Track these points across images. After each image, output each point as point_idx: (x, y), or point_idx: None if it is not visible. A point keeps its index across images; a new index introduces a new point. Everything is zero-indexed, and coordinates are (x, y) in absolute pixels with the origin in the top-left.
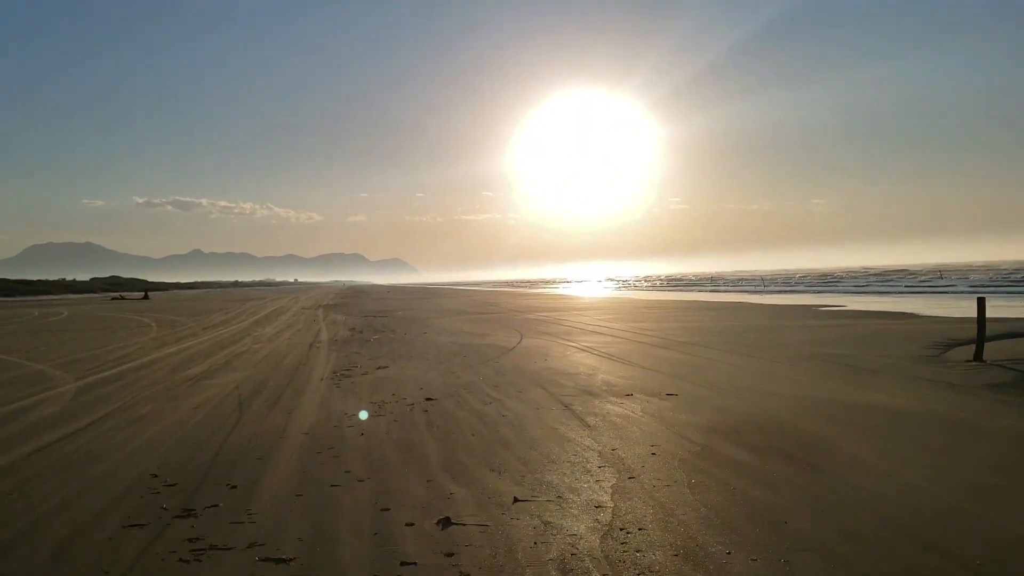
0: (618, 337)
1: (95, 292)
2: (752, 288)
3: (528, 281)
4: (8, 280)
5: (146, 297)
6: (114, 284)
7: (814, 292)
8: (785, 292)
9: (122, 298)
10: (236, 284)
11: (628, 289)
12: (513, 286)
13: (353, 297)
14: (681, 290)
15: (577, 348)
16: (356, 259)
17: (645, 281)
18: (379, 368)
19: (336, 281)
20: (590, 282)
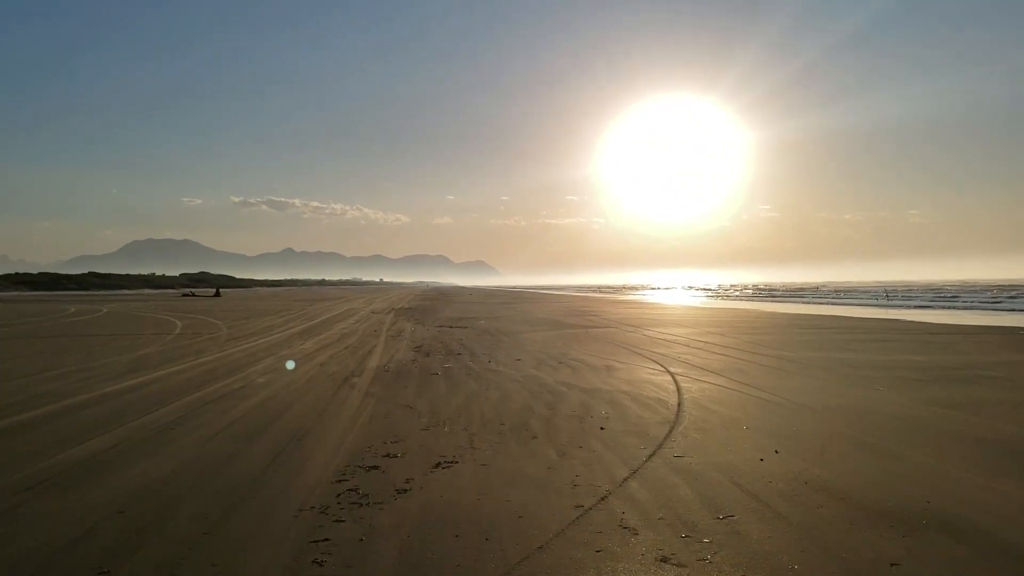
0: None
1: (173, 288)
2: (873, 300)
3: (614, 287)
4: (94, 273)
5: (217, 294)
6: (197, 280)
7: (941, 307)
8: (917, 307)
9: (192, 295)
10: (322, 283)
11: (726, 298)
12: (600, 291)
13: (433, 300)
14: (788, 301)
15: (794, 404)
16: (440, 260)
17: (739, 289)
18: (435, 469)
19: (420, 282)
20: (680, 289)
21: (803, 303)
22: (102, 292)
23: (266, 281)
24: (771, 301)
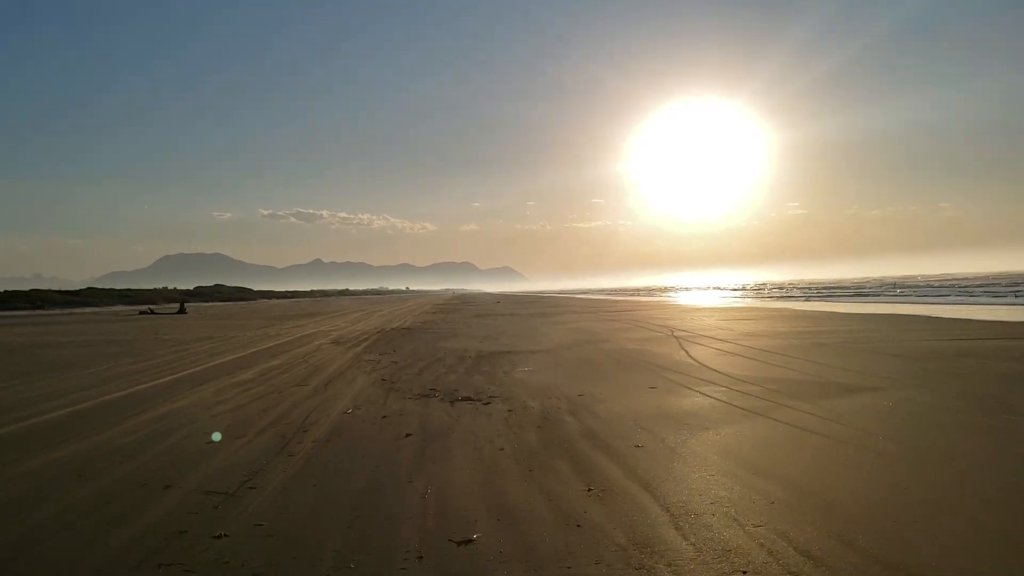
0: None
1: (153, 304)
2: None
3: (647, 289)
4: (65, 291)
5: (181, 311)
6: (210, 292)
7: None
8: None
9: (151, 312)
10: (345, 292)
11: (769, 298)
12: (638, 294)
13: (453, 310)
14: (836, 300)
15: None
16: (467, 268)
17: (782, 288)
18: None
19: (447, 289)
20: (717, 289)
21: (882, 302)
22: (56, 312)
23: (286, 292)
24: (848, 301)
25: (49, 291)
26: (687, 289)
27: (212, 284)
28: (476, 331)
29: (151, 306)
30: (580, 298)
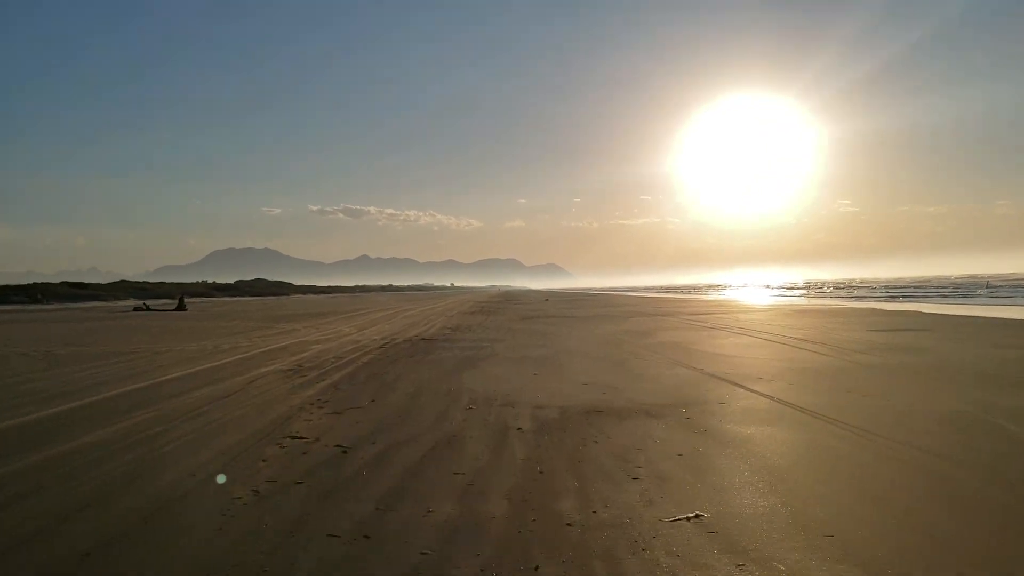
0: None
1: (170, 298)
2: None
3: (702, 287)
4: (67, 283)
5: (180, 307)
6: (246, 287)
7: None
8: None
9: (146, 308)
10: (388, 287)
11: (842, 297)
12: (696, 292)
13: (495, 310)
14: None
15: None
16: (512, 264)
17: (846, 287)
18: None
19: (492, 286)
20: (784, 288)
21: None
22: (52, 307)
23: (327, 287)
24: (951, 301)
25: (51, 284)
26: (746, 287)
27: (253, 279)
28: (526, 347)
29: (147, 302)
30: (635, 296)
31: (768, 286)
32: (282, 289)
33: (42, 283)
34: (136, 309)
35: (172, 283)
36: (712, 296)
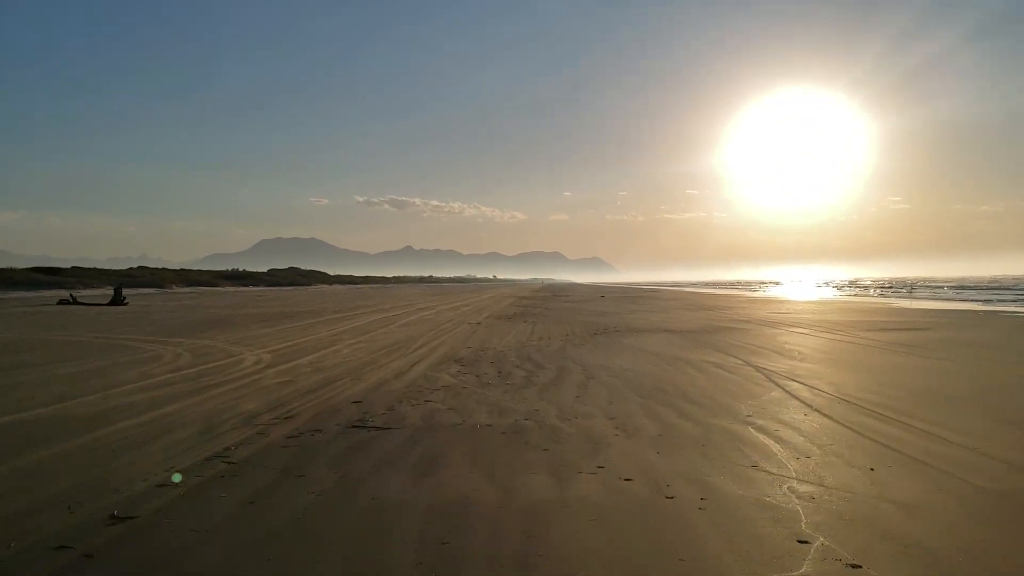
0: None
1: (253, 284)
2: None
3: (746, 283)
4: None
5: (116, 300)
6: (276, 277)
7: None
8: None
9: (73, 301)
10: (429, 279)
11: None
12: (748, 288)
13: (541, 313)
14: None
15: None
16: (555, 257)
17: (891, 286)
18: None
19: (535, 279)
20: (827, 285)
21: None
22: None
23: (364, 277)
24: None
25: (16, 269)
26: (819, 284)
27: (286, 267)
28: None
29: (73, 294)
30: (693, 292)
31: (852, 283)
32: (307, 279)
33: (8, 268)
34: (61, 302)
35: (122, 270)
36: (780, 293)
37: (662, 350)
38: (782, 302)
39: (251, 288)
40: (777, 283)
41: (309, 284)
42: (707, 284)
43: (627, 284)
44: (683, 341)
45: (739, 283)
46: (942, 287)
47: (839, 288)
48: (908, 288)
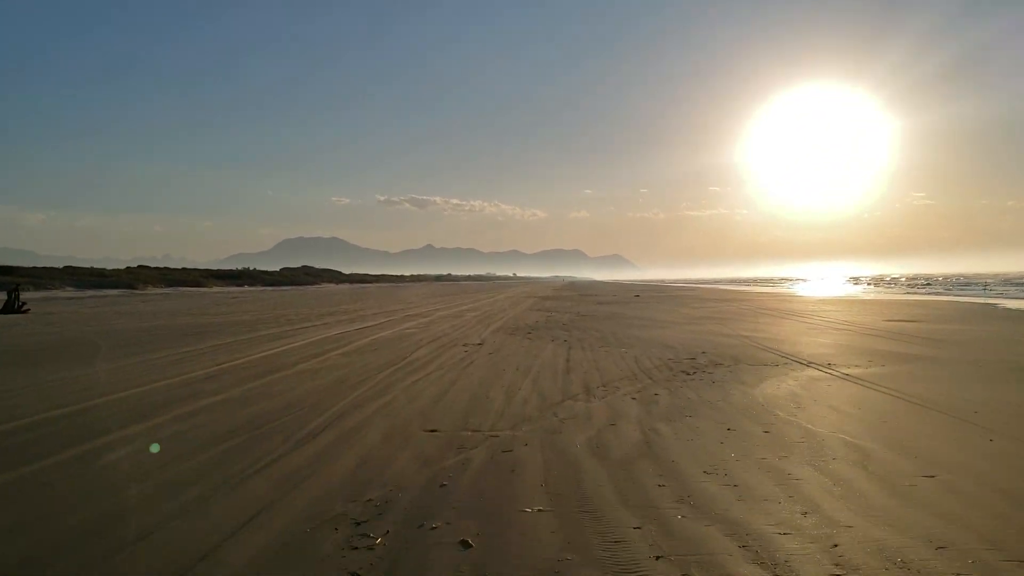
0: None
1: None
2: None
3: (771, 279)
4: None
5: (9, 308)
6: (289, 274)
7: None
8: None
9: None
10: (448, 276)
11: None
12: (777, 284)
13: (571, 312)
14: None
15: None
16: (576, 255)
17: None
18: None
19: (556, 276)
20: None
21: None
22: None
23: (377, 276)
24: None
25: None
26: (863, 283)
27: (299, 266)
28: None
29: None
30: (745, 291)
31: (884, 280)
32: (315, 278)
33: None
34: None
35: (87, 268)
36: (780, 290)
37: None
38: (845, 300)
39: (243, 288)
40: (804, 280)
41: (315, 283)
42: (737, 281)
43: (653, 281)
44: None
45: (768, 280)
46: (986, 283)
47: (909, 285)
48: (983, 285)
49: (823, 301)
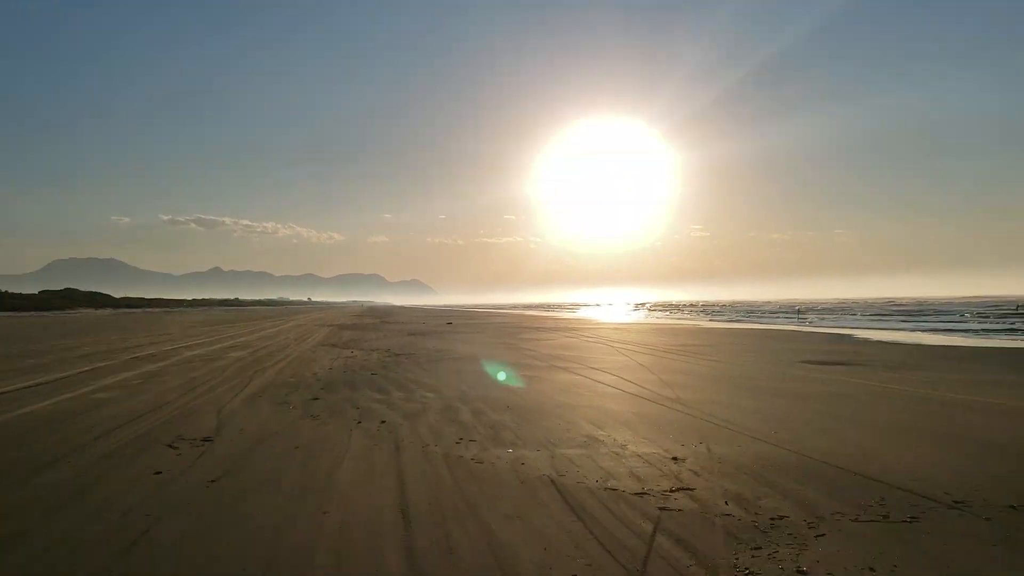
0: None
1: None
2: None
3: (547, 304)
4: None
5: None
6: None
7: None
8: None
9: None
10: (235, 301)
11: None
12: (547, 309)
13: (382, 343)
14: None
15: None
16: (375, 280)
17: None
18: None
19: (354, 301)
20: (641, 308)
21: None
22: None
23: (159, 300)
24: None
25: None
26: (608, 305)
27: (62, 288)
28: None
29: None
30: (557, 317)
31: (635, 305)
32: (69, 302)
33: None
34: None
35: None
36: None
37: None
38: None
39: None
40: (600, 304)
41: (71, 309)
42: (538, 306)
43: (455, 306)
44: None
45: (571, 305)
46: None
47: (669, 310)
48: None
49: (685, 332)
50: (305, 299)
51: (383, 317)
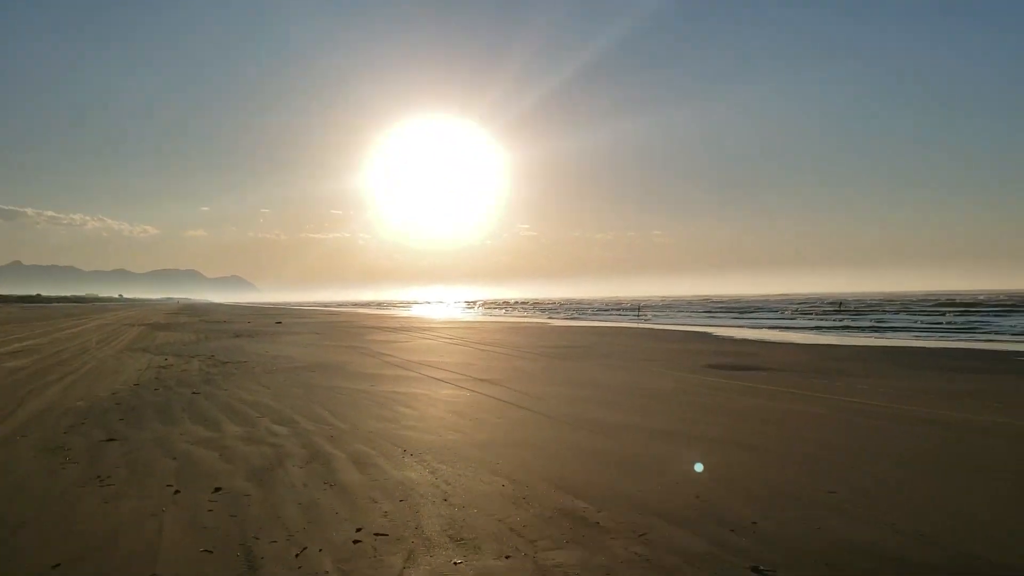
0: None
1: None
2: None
3: (380, 302)
4: None
5: None
6: None
7: None
8: None
9: None
10: (38, 297)
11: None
12: (381, 307)
13: (201, 348)
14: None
15: None
16: (192, 276)
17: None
18: None
19: (170, 298)
20: (451, 304)
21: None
22: None
23: None
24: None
25: None
26: (427, 303)
27: None
28: None
29: None
30: (401, 316)
31: (470, 303)
32: None
33: None
34: None
35: None
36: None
37: None
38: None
39: None
40: (432, 303)
41: None
42: (366, 304)
43: (280, 304)
44: None
45: (401, 303)
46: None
47: (504, 308)
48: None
49: (546, 331)
50: (116, 296)
51: (202, 316)
